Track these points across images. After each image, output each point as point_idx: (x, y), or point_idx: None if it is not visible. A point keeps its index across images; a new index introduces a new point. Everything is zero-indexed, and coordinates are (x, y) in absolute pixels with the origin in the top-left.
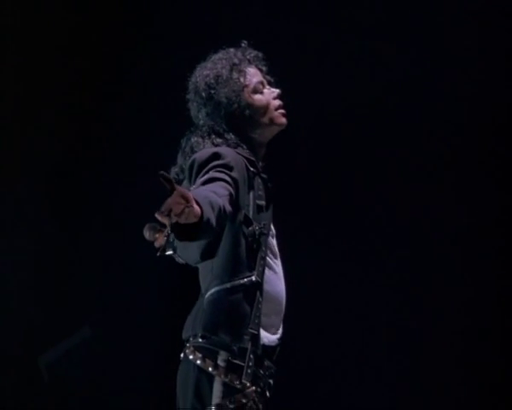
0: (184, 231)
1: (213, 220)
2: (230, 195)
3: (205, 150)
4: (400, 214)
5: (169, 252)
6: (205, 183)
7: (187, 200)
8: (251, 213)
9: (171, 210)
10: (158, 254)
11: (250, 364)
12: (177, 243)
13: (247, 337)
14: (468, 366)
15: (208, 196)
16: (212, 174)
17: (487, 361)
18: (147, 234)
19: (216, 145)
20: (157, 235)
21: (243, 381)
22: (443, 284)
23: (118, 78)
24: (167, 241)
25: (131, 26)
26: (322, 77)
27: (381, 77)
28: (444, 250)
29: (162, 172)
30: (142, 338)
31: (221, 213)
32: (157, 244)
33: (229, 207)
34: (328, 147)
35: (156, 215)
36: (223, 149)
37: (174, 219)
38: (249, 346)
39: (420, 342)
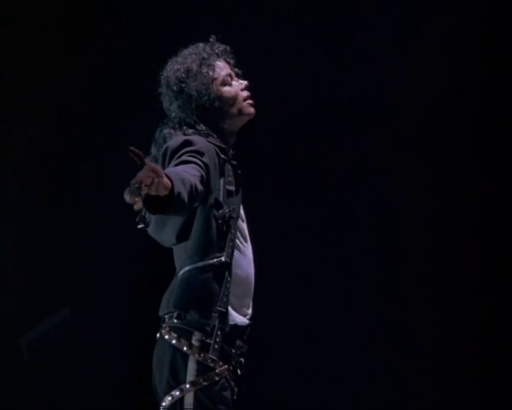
0: (156, 204)
1: (184, 195)
2: (202, 176)
3: (177, 138)
4: (373, 202)
5: (141, 225)
6: (177, 166)
7: (157, 173)
8: (221, 197)
9: (141, 182)
10: (136, 220)
11: (217, 340)
12: (149, 216)
13: (215, 315)
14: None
15: (179, 173)
16: (183, 158)
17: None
18: (127, 197)
19: (187, 135)
20: (137, 199)
21: (210, 356)
22: (415, 261)
23: (97, 66)
24: (141, 214)
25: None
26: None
27: (347, 64)
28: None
29: (132, 147)
30: (119, 318)
31: (192, 190)
32: (136, 207)
33: (200, 186)
34: (297, 134)
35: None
36: (194, 137)
37: (145, 190)
38: (216, 323)
39: (397, 329)
